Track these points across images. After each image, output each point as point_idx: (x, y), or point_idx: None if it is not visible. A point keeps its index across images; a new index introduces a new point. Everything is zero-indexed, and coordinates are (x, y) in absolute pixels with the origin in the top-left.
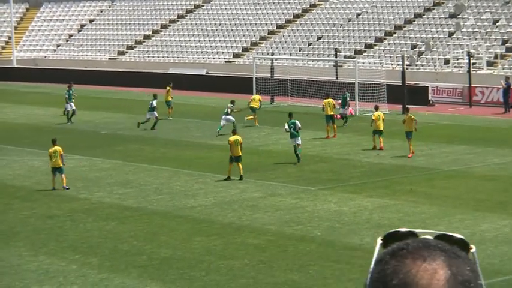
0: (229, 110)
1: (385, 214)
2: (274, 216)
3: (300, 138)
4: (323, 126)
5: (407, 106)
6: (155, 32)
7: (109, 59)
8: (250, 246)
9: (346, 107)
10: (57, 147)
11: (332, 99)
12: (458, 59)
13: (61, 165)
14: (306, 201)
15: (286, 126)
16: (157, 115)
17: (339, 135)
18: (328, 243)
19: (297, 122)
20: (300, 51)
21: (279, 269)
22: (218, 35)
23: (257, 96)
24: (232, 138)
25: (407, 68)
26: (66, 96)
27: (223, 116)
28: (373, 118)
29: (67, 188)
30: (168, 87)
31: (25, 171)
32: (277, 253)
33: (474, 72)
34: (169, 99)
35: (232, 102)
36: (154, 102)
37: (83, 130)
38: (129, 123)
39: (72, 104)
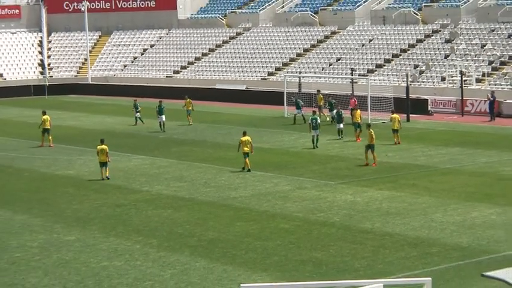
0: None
1: (392, 204)
2: (301, 205)
3: (319, 130)
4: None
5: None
6: (204, 54)
7: (166, 76)
8: (281, 230)
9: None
10: (104, 146)
11: (359, 111)
12: (452, 77)
13: (106, 160)
14: (327, 193)
15: (310, 121)
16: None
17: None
18: (346, 228)
19: (317, 118)
20: (322, 70)
21: (305, 248)
22: (255, 57)
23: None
24: (244, 138)
25: (410, 84)
26: (157, 110)
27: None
28: (392, 116)
29: (108, 178)
30: (187, 99)
31: (98, 168)
32: (303, 235)
33: (465, 87)
34: (190, 108)
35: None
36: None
37: (145, 135)
38: (182, 129)
39: (163, 116)
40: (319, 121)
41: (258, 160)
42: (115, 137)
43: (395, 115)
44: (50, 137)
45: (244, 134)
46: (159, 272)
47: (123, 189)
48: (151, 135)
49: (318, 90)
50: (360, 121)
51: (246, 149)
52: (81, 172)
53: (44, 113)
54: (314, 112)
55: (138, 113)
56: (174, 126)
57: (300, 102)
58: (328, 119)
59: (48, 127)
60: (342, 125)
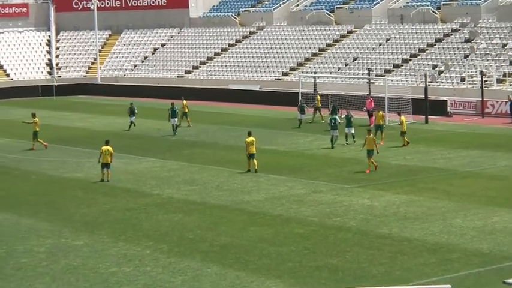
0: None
1: (410, 208)
2: (317, 209)
3: (337, 131)
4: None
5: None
6: (217, 54)
7: (178, 77)
8: (296, 235)
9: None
10: (109, 147)
11: (382, 112)
12: (472, 77)
13: (110, 162)
14: (343, 197)
15: (328, 120)
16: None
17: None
18: (362, 233)
19: (336, 117)
20: (338, 70)
21: (320, 254)
22: (269, 57)
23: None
24: (249, 139)
25: (429, 85)
26: (169, 112)
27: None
28: (402, 119)
29: (108, 181)
30: (184, 101)
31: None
32: (319, 241)
33: (486, 88)
34: (186, 110)
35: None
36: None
37: (155, 137)
38: (194, 131)
39: (176, 119)
40: (338, 121)
41: (272, 163)
42: (125, 138)
43: (402, 117)
44: (39, 140)
45: (250, 134)
46: (170, 278)
47: (133, 193)
48: (162, 137)
49: (316, 91)
50: (383, 123)
51: (252, 149)
52: (89, 175)
53: (34, 116)
54: (333, 111)
55: (134, 117)
56: (184, 128)
57: (305, 106)
58: (323, 120)
59: (37, 129)
60: (352, 130)
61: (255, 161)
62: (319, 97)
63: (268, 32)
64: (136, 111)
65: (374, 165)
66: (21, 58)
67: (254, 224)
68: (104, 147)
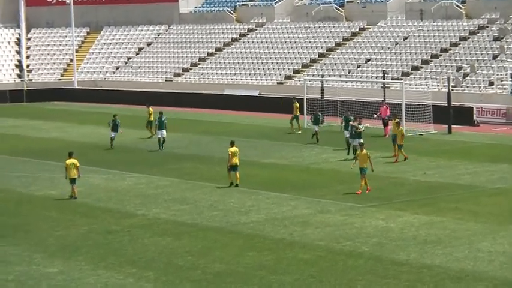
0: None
1: (431, 230)
2: (324, 232)
3: (358, 139)
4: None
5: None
6: (210, 54)
7: (166, 80)
8: (301, 261)
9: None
10: (74, 160)
11: (398, 120)
12: (502, 81)
13: (76, 176)
14: (355, 218)
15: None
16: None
17: (383, 154)
18: (376, 259)
19: (356, 124)
20: (349, 73)
21: (328, 283)
22: (270, 58)
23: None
24: (232, 149)
25: (452, 90)
26: (157, 123)
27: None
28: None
29: (75, 198)
30: (150, 108)
31: (86, 188)
32: (326, 268)
33: None
34: (151, 119)
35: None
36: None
37: (141, 149)
38: (185, 142)
39: (164, 131)
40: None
41: (273, 179)
42: (106, 151)
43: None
44: None
45: (233, 144)
46: None
47: (115, 213)
48: (148, 149)
49: (294, 97)
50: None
51: (234, 161)
52: (65, 192)
53: None
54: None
55: (115, 133)
56: (177, 138)
57: (320, 116)
58: (299, 132)
59: None
60: (361, 140)
61: (237, 174)
62: (297, 104)
63: (268, 29)
64: (119, 127)
65: (367, 186)
66: None
67: (252, 248)
68: (69, 161)
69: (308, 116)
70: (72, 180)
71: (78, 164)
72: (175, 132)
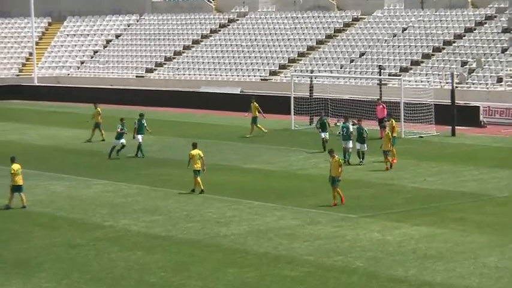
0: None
1: (432, 244)
2: (313, 245)
3: (351, 142)
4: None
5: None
6: (186, 48)
7: (136, 76)
8: (287, 279)
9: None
10: (17, 165)
11: (393, 120)
12: (511, 77)
13: (22, 183)
14: (347, 230)
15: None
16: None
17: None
18: (371, 275)
19: (349, 125)
20: (341, 68)
21: None
22: (253, 51)
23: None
24: (194, 152)
25: (456, 87)
26: (136, 126)
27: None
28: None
29: (25, 207)
30: (97, 109)
31: (46, 196)
32: (316, 286)
33: None
34: (99, 120)
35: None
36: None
37: (107, 153)
38: (157, 146)
39: (140, 136)
40: (351, 129)
41: (255, 186)
42: (70, 155)
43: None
44: None
45: (195, 146)
46: None
47: (80, 225)
48: (116, 153)
49: (253, 97)
50: (396, 135)
51: (197, 165)
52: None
53: None
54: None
55: (123, 140)
56: (149, 141)
57: (326, 120)
58: (250, 135)
59: None
60: (365, 146)
61: (198, 179)
62: (256, 104)
63: (251, 19)
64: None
65: (340, 196)
66: None
67: (233, 264)
68: (14, 166)
69: (297, 117)
70: (17, 188)
71: (20, 170)
72: (147, 135)
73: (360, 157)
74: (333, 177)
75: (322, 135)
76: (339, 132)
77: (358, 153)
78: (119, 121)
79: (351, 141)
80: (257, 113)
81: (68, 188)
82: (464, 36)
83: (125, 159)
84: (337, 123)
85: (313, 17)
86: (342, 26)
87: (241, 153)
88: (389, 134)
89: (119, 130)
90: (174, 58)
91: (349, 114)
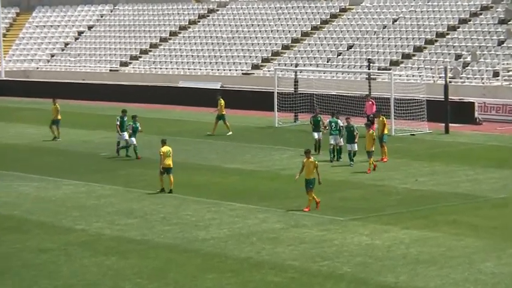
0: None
1: (424, 248)
2: (298, 250)
3: (341, 138)
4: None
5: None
6: (163, 40)
7: (110, 70)
8: (270, 285)
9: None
10: None
11: (383, 117)
12: (509, 71)
13: None
14: (334, 233)
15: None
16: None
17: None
18: (360, 281)
19: (339, 121)
20: (327, 62)
21: None
22: (235, 44)
23: None
24: (164, 149)
25: (450, 82)
26: (119, 123)
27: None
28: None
29: None
30: (56, 105)
31: (13, 198)
32: None
33: None
34: (58, 117)
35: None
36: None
37: (80, 152)
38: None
39: (125, 134)
40: (340, 124)
41: (237, 187)
42: (37, 154)
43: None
44: None
45: (164, 142)
46: None
47: (49, 228)
48: (88, 151)
49: (219, 93)
50: (387, 133)
51: (167, 162)
52: None
53: None
54: (333, 114)
55: (126, 133)
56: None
57: (321, 119)
58: (229, 133)
59: None
60: (355, 146)
61: (171, 177)
62: (222, 101)
63: (232, 9)
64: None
65: (316, 200)
66: None
67: (213, 269)
68: None
69: (281, 114)
70: None
71: None
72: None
73: (350, 159)
74: (306, 179)
75: (315, 135)
76: (326, 127)
77: (350, 153)
78: (130, 118)
79: (339, 137)
80: (223, 110)
81: (37, 189)
82: (458, 27)
83: (97, 159)
84: (327, 128)
85: (298, 7)
86: (328, 17)
87: (222, 152)
88: (373, 133)
89: (130, 130)
90: (150, 51)
91: (335, 110)
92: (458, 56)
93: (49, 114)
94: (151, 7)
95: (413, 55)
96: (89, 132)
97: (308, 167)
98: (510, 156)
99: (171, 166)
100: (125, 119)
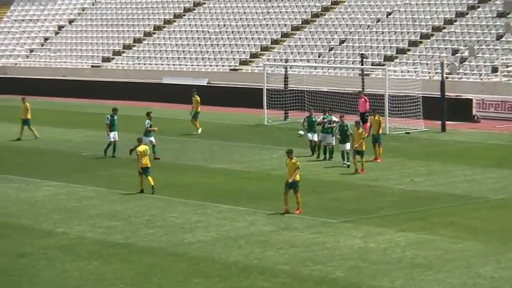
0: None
1: (420, 251)
2: (289, 253)
3: (332, 137)
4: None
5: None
6: (147, 34)
7: (92, 66)
8: None
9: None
10: None
11: (379, 116)
12: (508, 66)
13: None
14: (326, 236)
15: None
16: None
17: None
18: (353, 286)
19: (332, 117)
20: (319, 57)
21: None
22: (222, 39)
23: None
24: (141, 148)
25: (447, 78)
26: (109, 122)
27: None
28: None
29: None
30: (26, 104)
31: None
32: None
33: None
34: (28, 117)
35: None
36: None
37: (60, 151)
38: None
39: (115, 134)
40: (334, 119)
41: (225, 188)
42: (16, 154)
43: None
44: None
45: (140, 142)
46: None
47: (29, 231)
48: (69, 151)
49: (193, 90)
50: (381, 132)
51: (145, 162)
52: None
53: None
54: (325, 111)
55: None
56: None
57: (315, 117)
58: (199, 131)
59: None
60: (347, 146)
61: (149, 177)
62: (198, 98)
63: (219, 2)
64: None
65: (298, 205)
66: None
67: (199, 274)
68: None
69: (270, 111)
70: None
71: None
72: (104, 131)
73: (343, 159)
74: (289, 181)
75: (310, 136)
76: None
77: (343, 154)
78: (146, 117)
79: (330, 136)
80: (199, 107)
81: (16, 190)
82: (455, 21)
83: (79, 159)
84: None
85: (288, 0)
86: (320, 10)
87: (208, 151)
88: (363, 133)
89: (148, 127)
90: (133, 46)
91: (328, 107)
92: (455, 51)
93: (31, 113)
94: (134, 0)
95: (408, 50)
96: (69, 131)
97: (290, 167)
98: (509, 155)
99: (149, 166)
100: (115, 117)
